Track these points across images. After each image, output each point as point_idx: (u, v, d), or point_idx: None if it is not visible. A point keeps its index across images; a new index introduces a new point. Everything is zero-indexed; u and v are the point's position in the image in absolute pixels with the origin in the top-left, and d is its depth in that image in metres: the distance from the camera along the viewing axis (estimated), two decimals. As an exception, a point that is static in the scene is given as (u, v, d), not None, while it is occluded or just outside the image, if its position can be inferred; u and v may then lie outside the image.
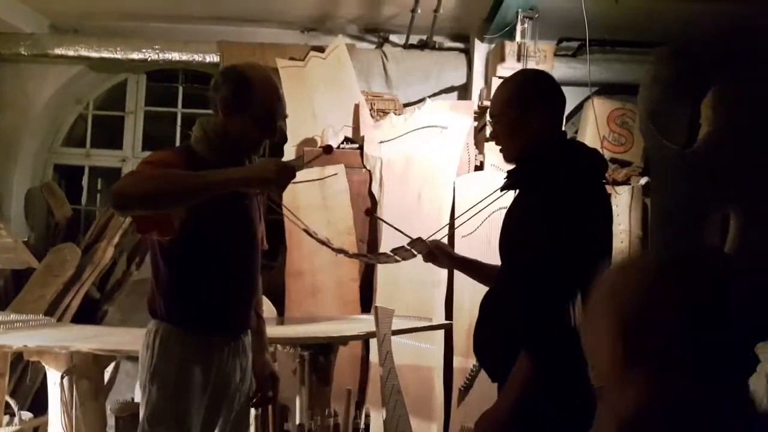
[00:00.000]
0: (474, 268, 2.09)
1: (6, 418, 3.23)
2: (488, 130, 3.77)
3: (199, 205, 1.62)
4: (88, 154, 4.71)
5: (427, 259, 2.01)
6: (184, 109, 4.73)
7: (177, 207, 1.62)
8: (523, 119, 1.64)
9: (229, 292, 1.79)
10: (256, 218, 1.88)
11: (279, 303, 3.72)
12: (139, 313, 2.83)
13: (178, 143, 4.67)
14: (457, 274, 3.70)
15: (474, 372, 3.65)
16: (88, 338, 2.54)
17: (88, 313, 3.94)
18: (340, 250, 2.13)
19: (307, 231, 1.87)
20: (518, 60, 3.75)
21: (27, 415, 3.33)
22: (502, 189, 1.75)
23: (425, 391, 3.58)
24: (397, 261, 2.06)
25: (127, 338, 2.49)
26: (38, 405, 3.45)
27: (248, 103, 1.73)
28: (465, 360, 3.58)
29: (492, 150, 3.82)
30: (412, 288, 3.62)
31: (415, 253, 2.02)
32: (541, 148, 1.64)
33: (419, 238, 1.99)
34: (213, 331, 1.77)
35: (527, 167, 1.66)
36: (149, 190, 1.55)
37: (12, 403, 3.23)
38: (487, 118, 3.73)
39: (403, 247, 2.01)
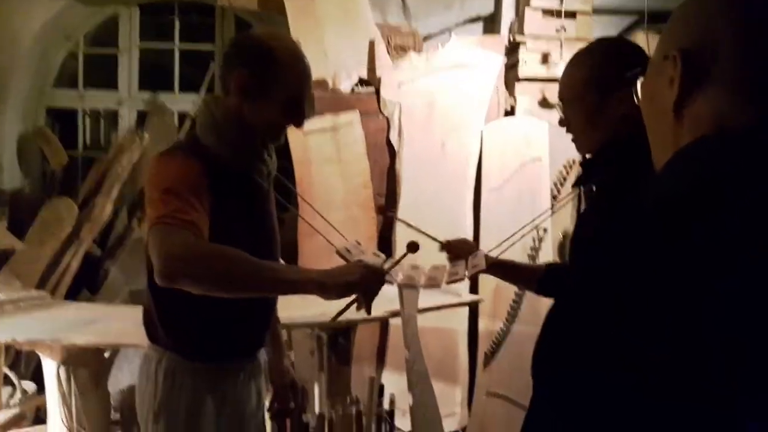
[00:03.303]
0: (508, 271, 1.80)
1: (8, 389, 3.08)
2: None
3: (215, 210, 1.33)
4: (82, 95, 4.36)
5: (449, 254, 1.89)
6: (181, 43, 4.33)
7: (236, 296, 1.31)
8: (605, 103, 1.26)
9: (248, 312, 1.48)
10: (276, 222, 1.57)
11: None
12: (144, 273, 2.60)
13: (176, 82, 4.34)
14: (481, 233, 3.41)
15: (501, 336, 3.43)
16: (85, 323, 2.31)
17: (90, 273, 3.73)
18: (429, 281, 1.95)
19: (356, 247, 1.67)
20: (556, -14, 3.33)
21: (30, 385, 3.16)
22: (576, 185, 1.40)
23: (449, 354, 3.38)
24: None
25: (128, 324, 2.24)
26: (41, 374, 3.29)
27: (273, 84, 1.38)
28: (491, 322, 3.36)
29: (524, 93, 3.44)
30: (434, 253, 3.33)
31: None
32: (628, 135, 1.21)
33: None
34: (229, 358, 1.50)
35: (612, 159, 1.27)
36: (217, 272, 1.23)
37: (12, 375, 3.06)
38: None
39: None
